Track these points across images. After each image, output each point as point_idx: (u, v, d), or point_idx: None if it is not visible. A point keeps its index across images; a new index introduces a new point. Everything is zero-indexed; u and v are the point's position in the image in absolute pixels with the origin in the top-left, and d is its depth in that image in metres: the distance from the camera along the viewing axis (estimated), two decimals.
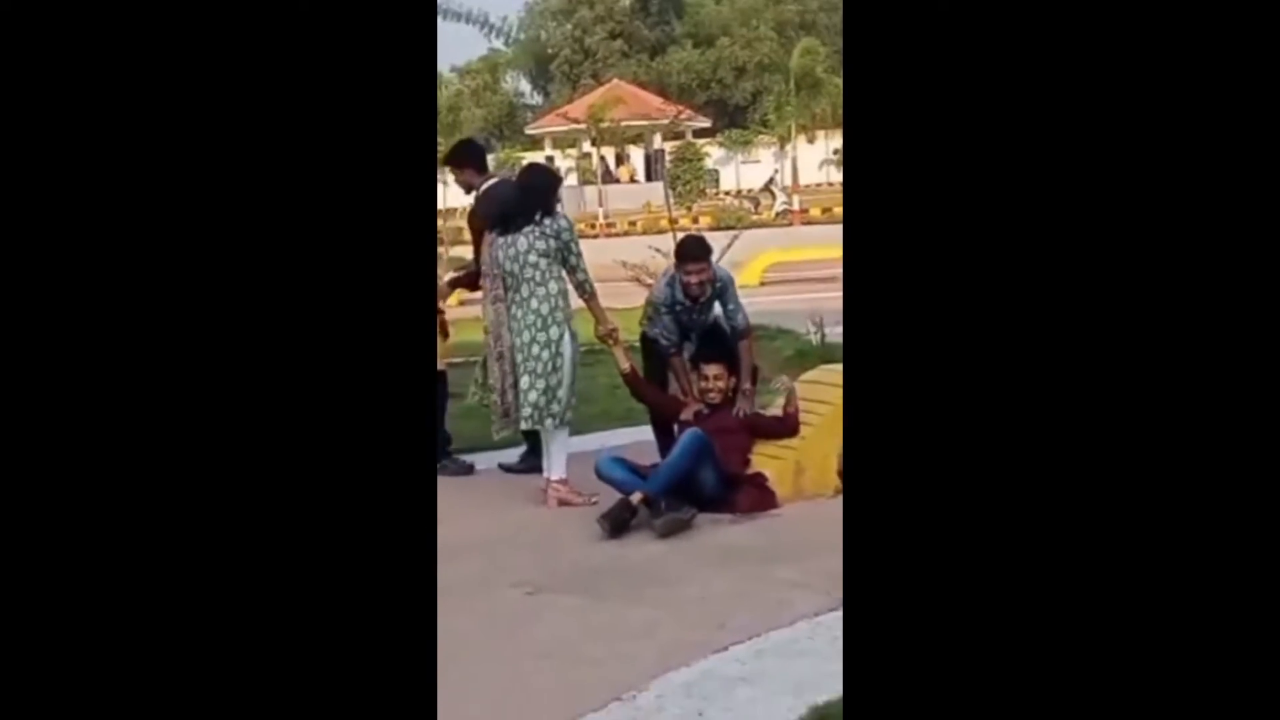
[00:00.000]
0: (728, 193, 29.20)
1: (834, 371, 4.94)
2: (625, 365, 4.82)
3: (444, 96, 36.04)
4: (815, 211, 22.20)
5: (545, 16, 38.62)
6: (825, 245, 15.51)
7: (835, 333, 8.07)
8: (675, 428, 4.70)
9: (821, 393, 4.75)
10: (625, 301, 10.60)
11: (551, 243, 4.58)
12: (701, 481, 4.33)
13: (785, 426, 4.65)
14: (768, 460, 4.63)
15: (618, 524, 4.15)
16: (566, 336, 4.57)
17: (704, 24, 37.29)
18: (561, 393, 4.57)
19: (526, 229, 4.61)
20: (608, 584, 3.72)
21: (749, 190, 28.14)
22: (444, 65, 38.41)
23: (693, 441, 4.34)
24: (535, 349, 4.57)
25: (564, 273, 4.59)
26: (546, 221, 4.61)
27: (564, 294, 4.60)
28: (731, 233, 9.06)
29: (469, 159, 5.36)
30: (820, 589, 3.32)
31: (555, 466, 4.66)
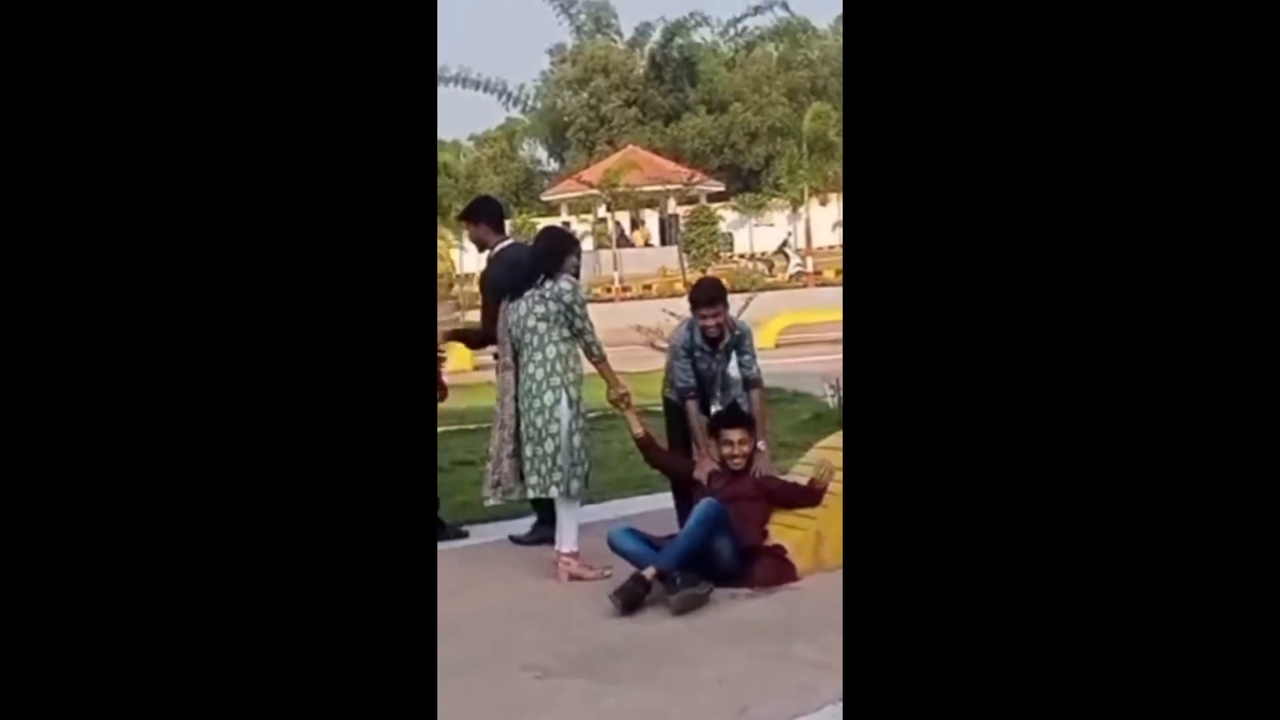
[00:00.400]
0: (742, 256, 29.25)
1: None
2: (638, 430, 4.68)
3: (462, 164, 36.56)
4: (829, 273, 22.16)
5: (561, 85, 39.17)
6: (840, 307, 15.46)
7: None
8: (692, 493, 4.55)
9: (839, 459, 4.58)
10: (639, 366, 10.55)
11: (551, 306, 4.47)
12: (718, 553, 4.17)
13: (808, 497, 4.50)
14: (786, 530, 4.46)
15: (630, 600, 3.98)
16: (564, 402, 4.43)
17: (717, 90, 37.72)
18: (560, 460, 4.42)
19: (528, 293, 4.52)
20: (620, 665, 3.54)
21: (763, 253, 28.18)
22: (462, 133, 39.12)
23: (708, 512, 4.18)
24: (531, 415, 4.46)
25: (567, 336, 4.48)
26: (548, 285, 4.52)
27: (564, 358, 4.47)
28: (745, 295, 8.97)
29: (484, 215, 5.30)
30: (839, 666, 3.13)
31: (565, 538, 4.51)
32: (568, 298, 4.48)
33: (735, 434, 4.54)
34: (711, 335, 4.80)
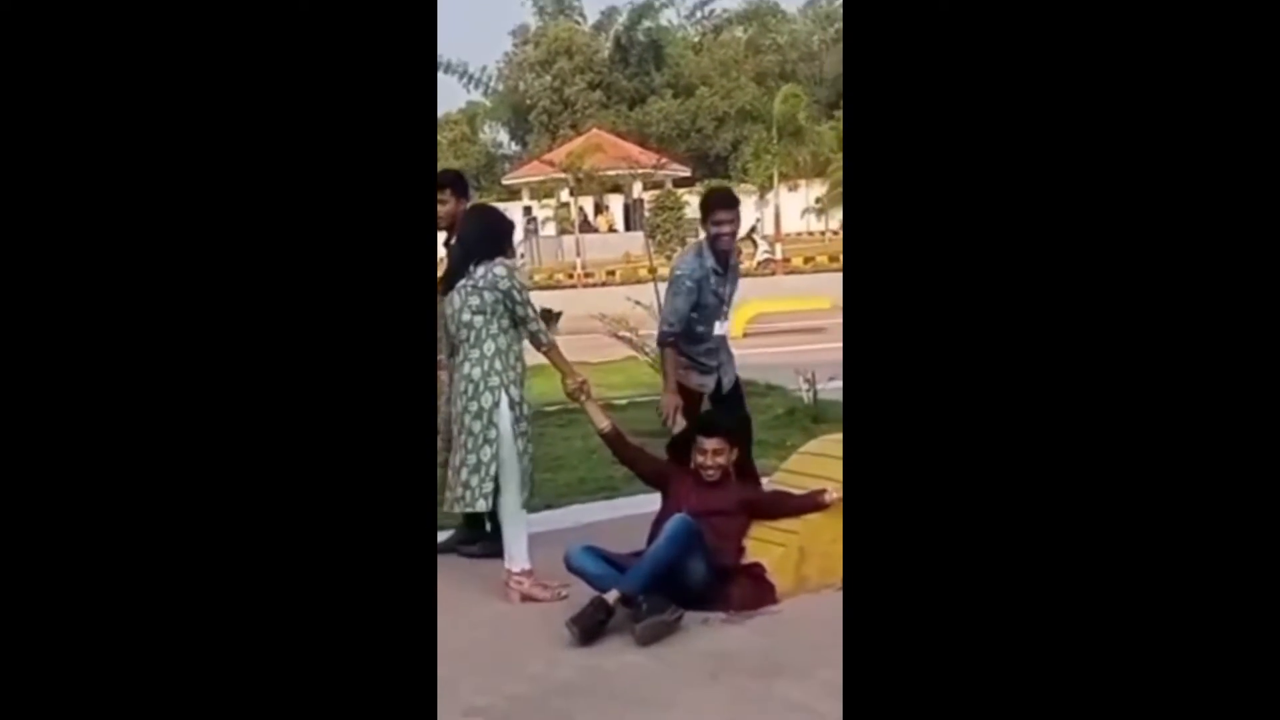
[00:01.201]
0: None
1: (837, 442, 4.32)
2: (603, 424, 4.17)
3: None
4: (798, 261, 21.80)
5: (524, 68, 38.48)
6: (810, 296, 15.11)
7: (827, 389, 7.48)
8: (665, 495, 4.08)
9: (825, 467, 4.12)
10: (602, 355, 10.10)
11: (487, 295, 3.92)
12: (689, 574, 3.70)
13: (796, 508, 4.03)
14: (765, 546, 3.99)
15: (590, 628, 3.51)
16: (504, 404, 3.89)
17: (683, 74, 37.24)
18: (496, 470, 3.90)
19: (460, 283, 3.99)
20: (578, 707, 3.07)
21: None
22: None
23: (679, 529, 3.71)
24: (467, 419, 3.92)
25: (508, 328, 3.93)
26: (479, 272, 3.97)
27: (504, 354, 3.92)
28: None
29: (459, 188, 4.66)
30: (829, 712, 2.69)
31: (515, 555, 4.00)
32: (504, 284, 3.93)
33: (711, 443, 4.05)
34: (724, 248, 4.45)
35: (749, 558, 3.93)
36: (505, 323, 3.94)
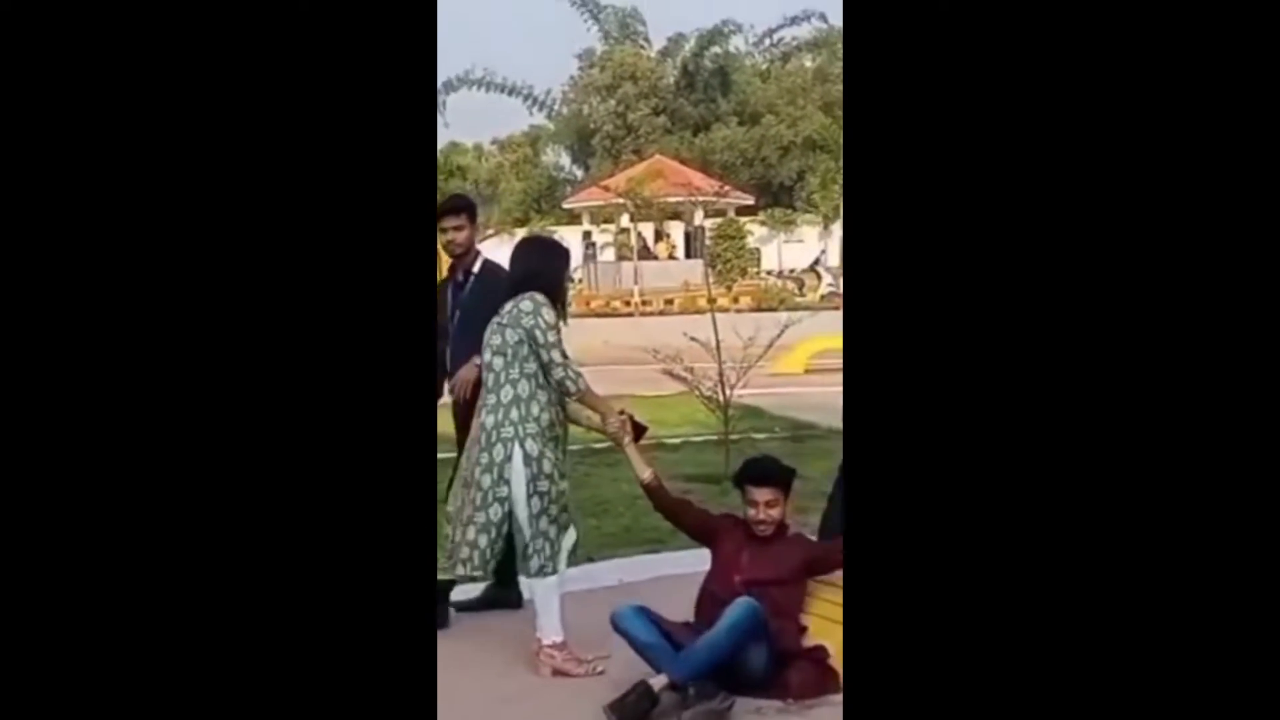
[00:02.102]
0: (770, 273, 28.31)
1: None
2: (645, 474, 3.75)
3: (484, 168, 35.95)
4: None
5: (589, 91, 38.47)
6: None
7: None
8: (712, 553, 3.65)
9: None
10: (657, 388, 9.71)
11: (509, 334, 3.51)
12: (748, 662, 3.29)
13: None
14: (831, 626, 3.55)
15: (632, 717, 3.09)
16: (517, 459, 3.46)
17: (749, 102, 36.93)
18: (507, 532, 3.50)
19: (494, 319, 3.59)
20: None
21: (793, 270, 27.22)
22: (485, 137, 38.54)
23: (744, 618, 3.29)
24: (478, 472, 3.52)
25: (532, 372, 3.49)
26: (506, 307, 3.56)
27: (522, 402, 3.49)
28: (784, 317, 8.06)
29: (461, 207, 4.28)
30: None
31: (546, 626, 3.60)
32: (527, 321, 3.48)
33: (764, 494, 3.61)
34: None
35: (811, 638, 3.48)
36: (531, 366, 3.52)
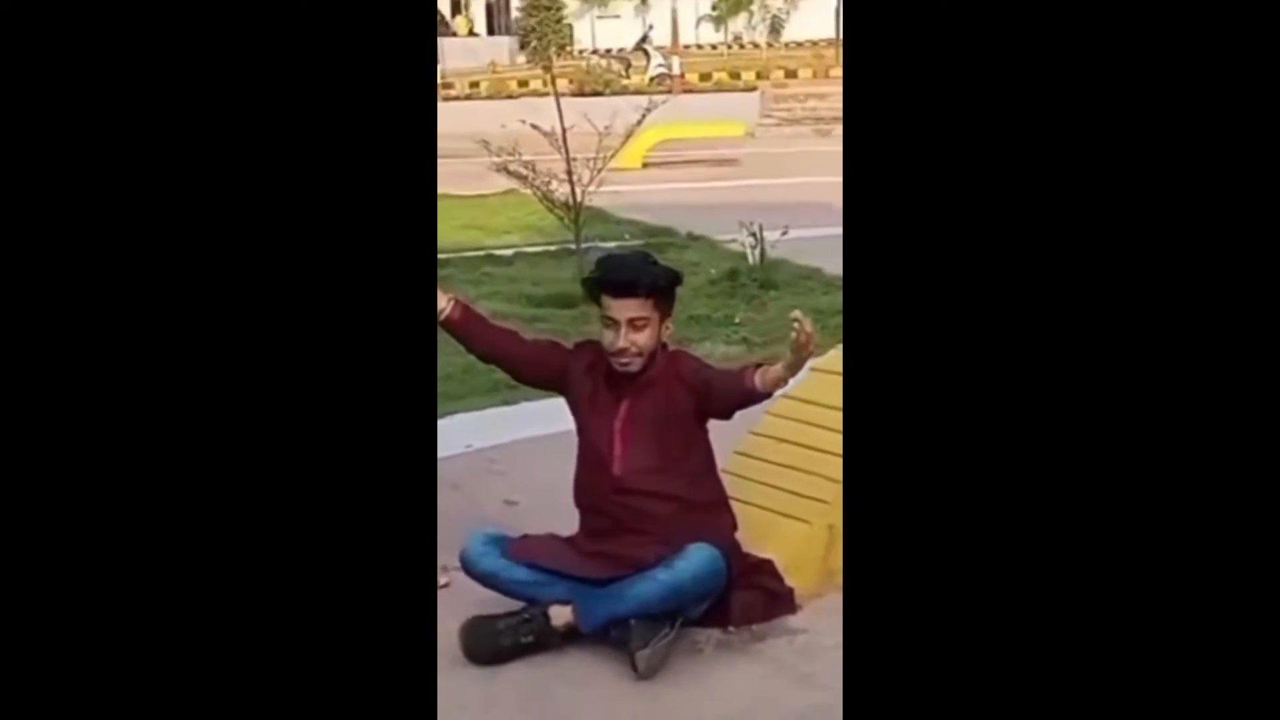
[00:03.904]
0: (594, 52, 26.46)
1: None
2: (440, 300, 2.57)
3: None
4: (692, 77, 20.07)
5: None
6: (718, 121, 13.57)
7: (778, 243, 6.18)
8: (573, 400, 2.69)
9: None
10: (475, 186, 8.52)
11: None
12: (690, 609, 2.48)
13: (783, 375, 2.45)
14: (779, 525, 2.73)
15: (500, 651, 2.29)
16: None
17: None
18: None
19: None
20: None
21: (619, 50, 25.49)
22: None
23: (707, 566, 2.44)
24: None
25: None
26: None
27: None
28: (629, 102, 6.85)
29: None
30: None
31: None
32: None
33: (627, 308, 2.51)
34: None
35: (755, 542, 2.65)
36: None
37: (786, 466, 2.84)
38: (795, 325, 2.33)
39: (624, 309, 2.51)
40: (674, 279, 2.64)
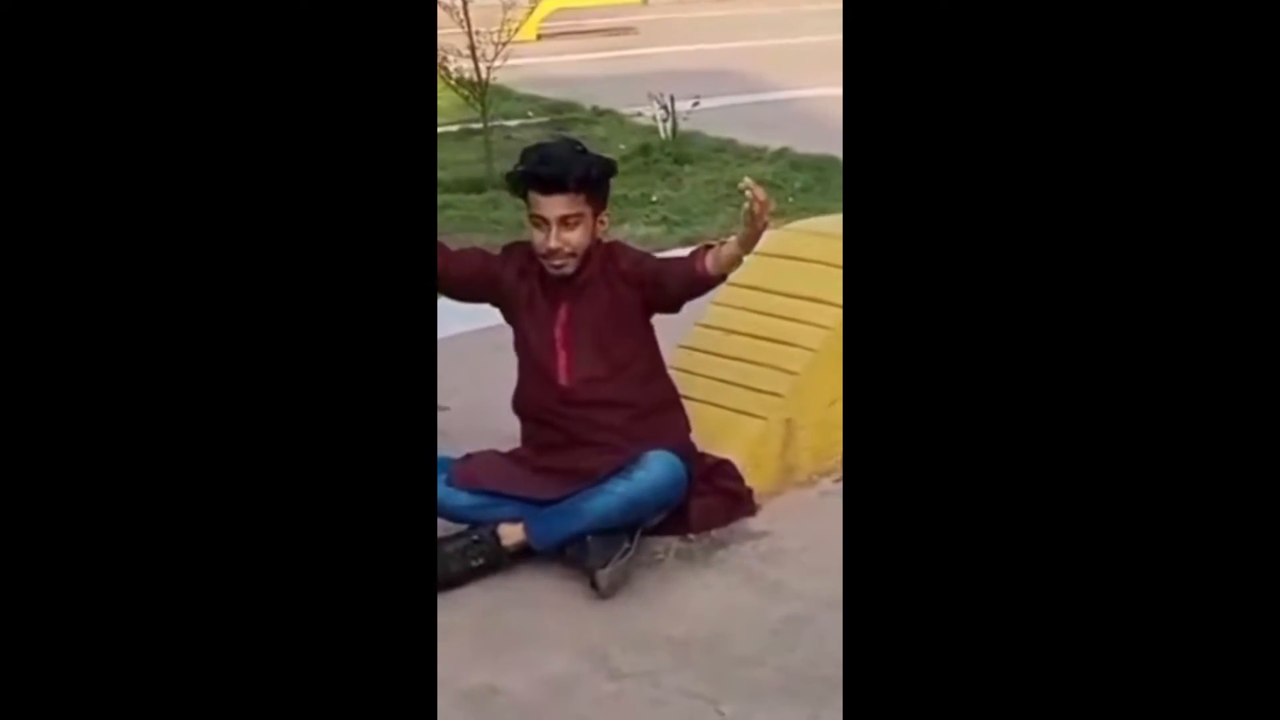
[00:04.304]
0: None
1: (826, 228, 2.89)
2: None
3: None
4: None
5: None
6: None
7: (689, 115, 5.94)
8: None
9: (812, 280, 2.69)
10: None
11: None
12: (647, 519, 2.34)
13: (739, 250, 2.27)
14: (733, 421, 2.59)
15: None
16: None
17: None
18: None
19: None
20: None
21: None
22: None
23: (667, 475, 2.28)
24: None
25: None
26: None
27: None
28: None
29: None
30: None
31: None
32: None
33: (556, 205, 2.30)
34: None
35: (709, 442, 2.51)
36: None
37: (737, 359, 2.68)
38: (747, 194, 2.14)
39: (554, 206, 2.30)
40: (607, 169, 2.43)
